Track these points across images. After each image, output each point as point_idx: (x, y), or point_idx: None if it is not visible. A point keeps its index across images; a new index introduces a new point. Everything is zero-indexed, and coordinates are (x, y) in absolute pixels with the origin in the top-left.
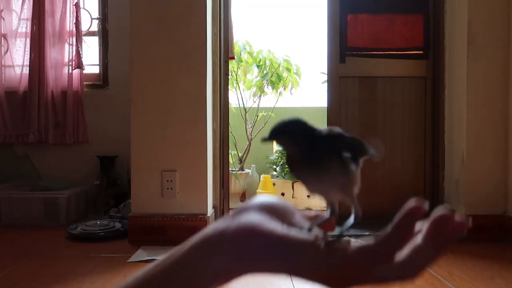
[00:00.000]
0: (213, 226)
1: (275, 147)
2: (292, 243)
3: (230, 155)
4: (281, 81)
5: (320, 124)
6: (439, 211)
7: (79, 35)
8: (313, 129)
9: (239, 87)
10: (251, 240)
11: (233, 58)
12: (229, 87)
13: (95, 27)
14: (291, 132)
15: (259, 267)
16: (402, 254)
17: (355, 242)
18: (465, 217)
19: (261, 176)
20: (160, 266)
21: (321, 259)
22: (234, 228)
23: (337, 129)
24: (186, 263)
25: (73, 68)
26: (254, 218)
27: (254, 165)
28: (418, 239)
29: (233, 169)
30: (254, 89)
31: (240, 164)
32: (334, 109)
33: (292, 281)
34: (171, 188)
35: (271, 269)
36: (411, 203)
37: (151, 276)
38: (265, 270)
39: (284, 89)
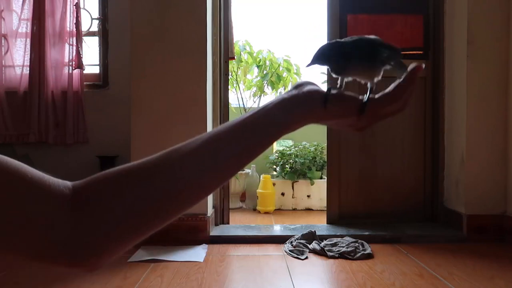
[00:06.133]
0: (284, 95)
1: (275, 147)
2: (345, 96)
3: None
4: (281, 81)
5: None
6: (413, 65)
7: (79, 35)
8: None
9: (239, 87)
10: (320, 95)
11: (233, 58)
12: (229, 87)
13: (95, 27)
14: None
15: (322, 113)
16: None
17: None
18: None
19: (261, 176)
20: (248, 117)
21: (361, 105)
22: (305, 92)
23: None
24: (273, 113)
25: (73, 68)
26: (316, 87)
27: (254, 165)
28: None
29: None
30: (254, 89)
31: None
32: None
33: (292, 281)
34: None
35: (328, 112)
36: (415, 65)
37: (242, 122)
38: (326, 113)
39: (284, 89)
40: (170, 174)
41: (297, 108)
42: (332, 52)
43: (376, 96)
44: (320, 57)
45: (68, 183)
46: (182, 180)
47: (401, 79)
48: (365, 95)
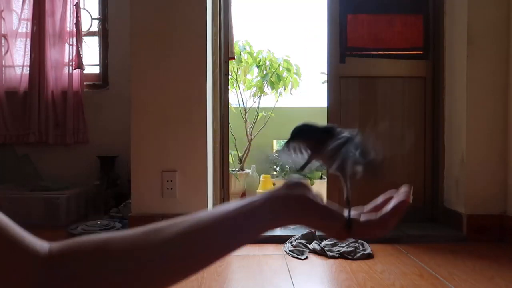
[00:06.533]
0: (273, 193)
1: (275, 147)
2: (330, 211)
3: (230, 155)
4: (281, 81)
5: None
6: (402, 193)
7: (79, 35)
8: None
9: (239, 87)
10: (307, 204)
11: (233, 58)
12: (229, 87)
13: (95, 27)
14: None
15: (307, 219)
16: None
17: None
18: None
19: (261, 176)
20: (234, 211)
21: (346, 224)
22: (296, 196)
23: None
24: (260, 213)
25: (73, 68)
26: (307, 191)
27: (254, 165)
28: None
29: (233, 169)
30: (254, 89)
31: (240, 164)
32: (334, 109)
33: (292, 281)
34: (171, 188)
35: (312, 223)
36: (403, 195)
37: (227, 216)
38: (310, 223)
39: (284, 89)
40: (145, 257)
41: (285, 212)
42: (309, 129)
43: (362, 218)
44: (299, 132)
45: (46, 245)
46: (158, 264)
47: (388, 210)
48: (346, 210)
